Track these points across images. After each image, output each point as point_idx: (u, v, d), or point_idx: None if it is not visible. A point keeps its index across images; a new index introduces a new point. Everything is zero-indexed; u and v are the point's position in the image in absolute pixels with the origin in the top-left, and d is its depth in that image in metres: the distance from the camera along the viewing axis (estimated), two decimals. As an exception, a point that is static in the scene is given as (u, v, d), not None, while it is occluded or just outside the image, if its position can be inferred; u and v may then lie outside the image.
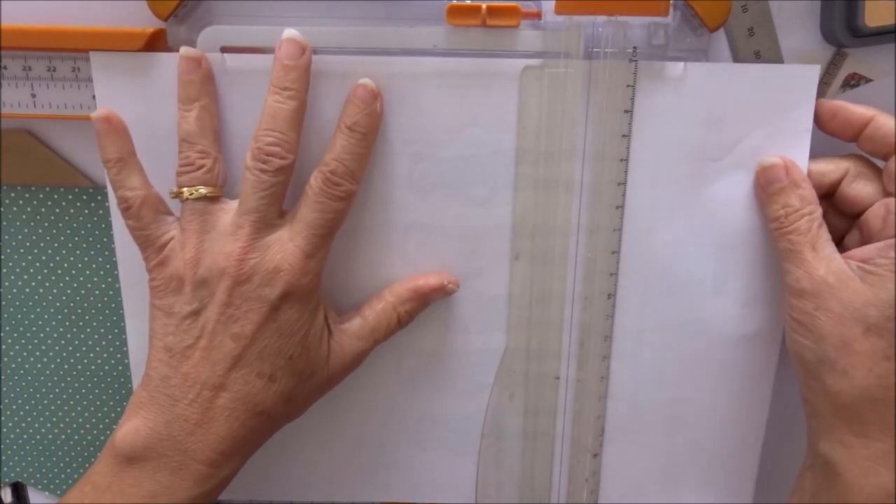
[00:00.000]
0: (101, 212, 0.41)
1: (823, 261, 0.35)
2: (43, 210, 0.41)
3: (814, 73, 0.36)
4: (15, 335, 0.43)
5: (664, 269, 0.39)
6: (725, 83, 0.36)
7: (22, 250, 0.42)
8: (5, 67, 0.37)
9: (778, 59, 0.38)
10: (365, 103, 0.35)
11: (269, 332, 0.34)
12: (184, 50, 0.35)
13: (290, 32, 0.35)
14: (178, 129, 0.35)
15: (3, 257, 0.42)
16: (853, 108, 0.36)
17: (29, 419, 0.45)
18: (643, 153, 0.37)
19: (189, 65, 0.35)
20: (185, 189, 0.35)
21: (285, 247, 0.34)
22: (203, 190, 0.35)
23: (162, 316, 0.35)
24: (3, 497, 0.46)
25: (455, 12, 0.35)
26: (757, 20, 0.37)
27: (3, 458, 0.46)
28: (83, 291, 0.42)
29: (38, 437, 0.45)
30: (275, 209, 0.35)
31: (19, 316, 0.43)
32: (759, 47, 0.38)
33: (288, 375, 0.35)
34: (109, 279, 0.42)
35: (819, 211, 0.36)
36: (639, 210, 0.38)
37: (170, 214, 0.36)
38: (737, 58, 0.38)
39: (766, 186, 0.37)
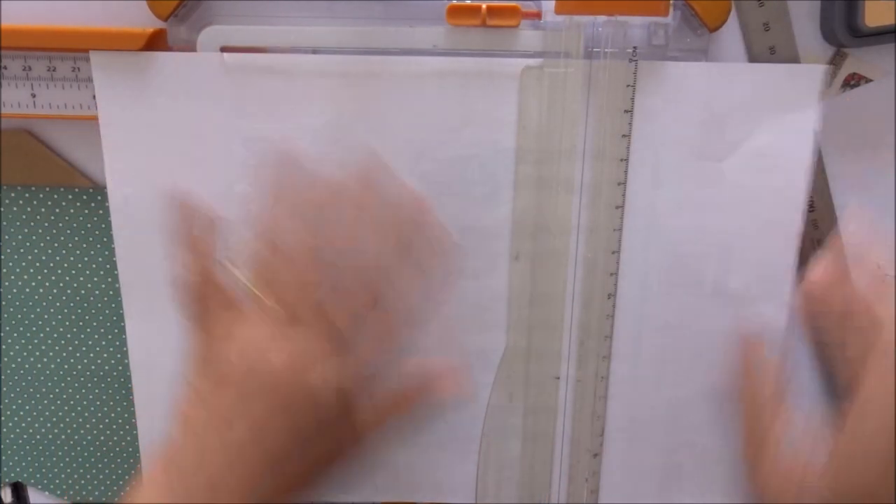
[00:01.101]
0: (101, 212, 0.41)
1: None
2: (43, 210, 0.41)
3: (818, 72, 0.36)
4: (15, 335, 0.43)
5: (664, 269, 0.39)
6: (726, 83, 0.36)
7: (22, 250, 0.42)
8: (5, 67, 0.37)
9: (794, 54, 0.37)
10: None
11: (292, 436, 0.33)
12: None
13: None
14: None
15: (3, 257, 0.42)
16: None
17: (29, 419, 0.45)
18: (643, 153, 0.37)
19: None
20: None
21: (329, 364, 0.33)
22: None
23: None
24: (3, 497, 0.46)
25: (455, 12, 0.35)
26: (773, 15, 0.37)
27: (3, 458, 0.46)
28: (83, 291, 0.42)
29: (38, 437, 0.45)
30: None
31: (19, 316, 0.43)
32: (774, 43, 0.37)
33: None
34: (109, 279, 0.42)
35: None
36: (639, 210, 0.38)
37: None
38: (751, 53, 0.37)
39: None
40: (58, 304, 0.43)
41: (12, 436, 0.45)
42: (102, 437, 0.45)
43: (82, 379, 0.44)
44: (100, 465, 0.46)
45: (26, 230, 0.41)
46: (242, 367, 0.31)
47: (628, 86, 0.36)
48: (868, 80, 0.39)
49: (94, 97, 0.37)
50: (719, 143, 0.37)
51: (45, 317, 0.43)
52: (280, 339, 0.31)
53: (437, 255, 0.35)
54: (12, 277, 0.42)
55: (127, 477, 0.46)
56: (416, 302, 0.34)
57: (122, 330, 0.43)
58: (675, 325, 0.40)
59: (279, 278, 0.32)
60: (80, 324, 0.43)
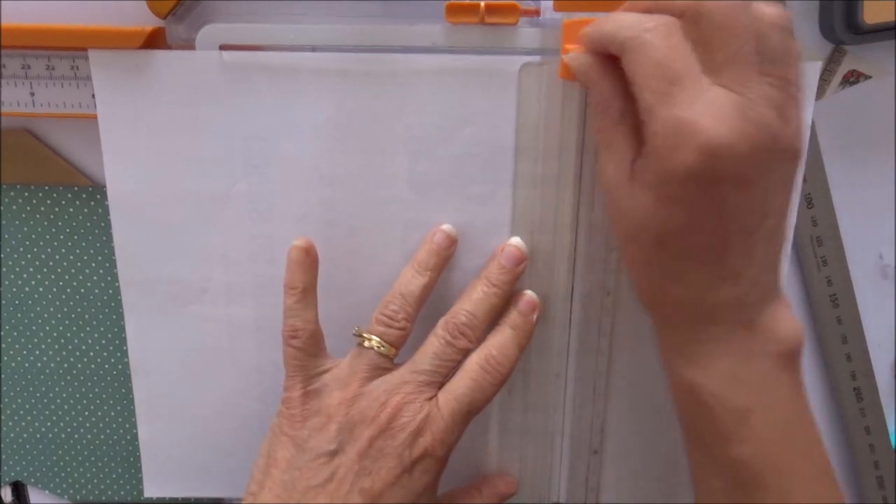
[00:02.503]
0: (101, 211, 0.41)
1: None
2: (43, 209, 0.41)
3: (814, 70, 0.36)
4: (15, 334, 0.43)
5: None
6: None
7: (22, 250, 0.42)
8: (4, 66, 0.37)
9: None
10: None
11: (395, 494, 0.34)
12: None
13: (516, 241, 0.38)
14: (403, 281, 0.36)
15: (3, 257, 0.42)
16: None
17: (29, 419, 0.45)
18: (642, 150, 0.37)
19: (444, 240, 0.37)
20: (374, 338, 0.35)
21: (434, 414, 0.35)
22: (384, 349, 0.35)
23: (291, 447, 0.35)
24: (3, 497, 0.46)
25: (453, 10, 0.35)
26: None
27: (3, 457, 0.46)
28: (83, 291, 0.42)
29: (38, 436, 0.45)
30: (441, 377, 0.35)
31: (19, 315, 0.43)
32: None
33: None
34: (109, 279, 0.42)
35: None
36: (638, 207, 0.38)
37: (325, 350, 0.37)
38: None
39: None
40: (57, 303, 0.43)
41: (12, 435, 0.45)
42: (102, 437, 0.45)
43: (82, 378, 0.44)
44: (100, 465, 0.46)
45: (26, 230, 0.41)
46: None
47: (627, 83, 0.36)
48: (867, 77, 0.39)
49: (93, 96, 0.37)
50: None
51: (45, 316, 0.43)
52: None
53: None
54: (12, 277, 0.42)
55: (127, 476, 0.46)
56: None
57: (122, 330, 0.43)
58: (674, 322, 0.40)
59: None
60: (80, 323, 0.43)
